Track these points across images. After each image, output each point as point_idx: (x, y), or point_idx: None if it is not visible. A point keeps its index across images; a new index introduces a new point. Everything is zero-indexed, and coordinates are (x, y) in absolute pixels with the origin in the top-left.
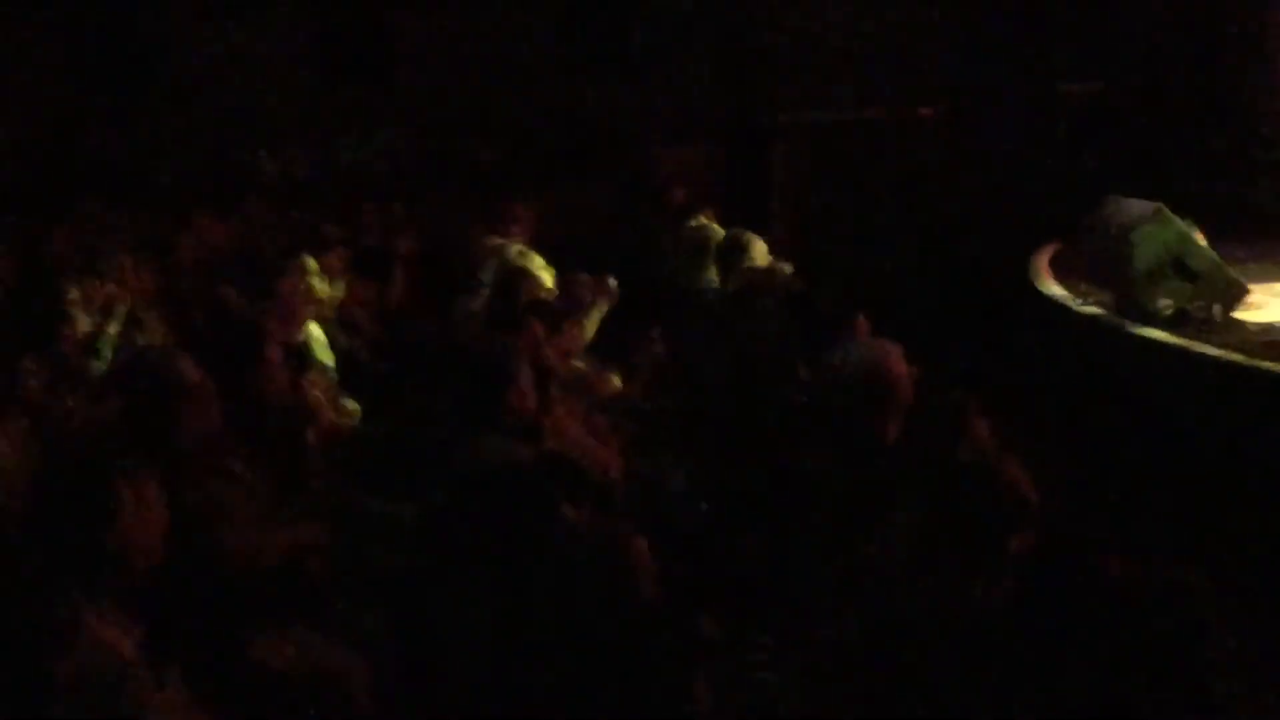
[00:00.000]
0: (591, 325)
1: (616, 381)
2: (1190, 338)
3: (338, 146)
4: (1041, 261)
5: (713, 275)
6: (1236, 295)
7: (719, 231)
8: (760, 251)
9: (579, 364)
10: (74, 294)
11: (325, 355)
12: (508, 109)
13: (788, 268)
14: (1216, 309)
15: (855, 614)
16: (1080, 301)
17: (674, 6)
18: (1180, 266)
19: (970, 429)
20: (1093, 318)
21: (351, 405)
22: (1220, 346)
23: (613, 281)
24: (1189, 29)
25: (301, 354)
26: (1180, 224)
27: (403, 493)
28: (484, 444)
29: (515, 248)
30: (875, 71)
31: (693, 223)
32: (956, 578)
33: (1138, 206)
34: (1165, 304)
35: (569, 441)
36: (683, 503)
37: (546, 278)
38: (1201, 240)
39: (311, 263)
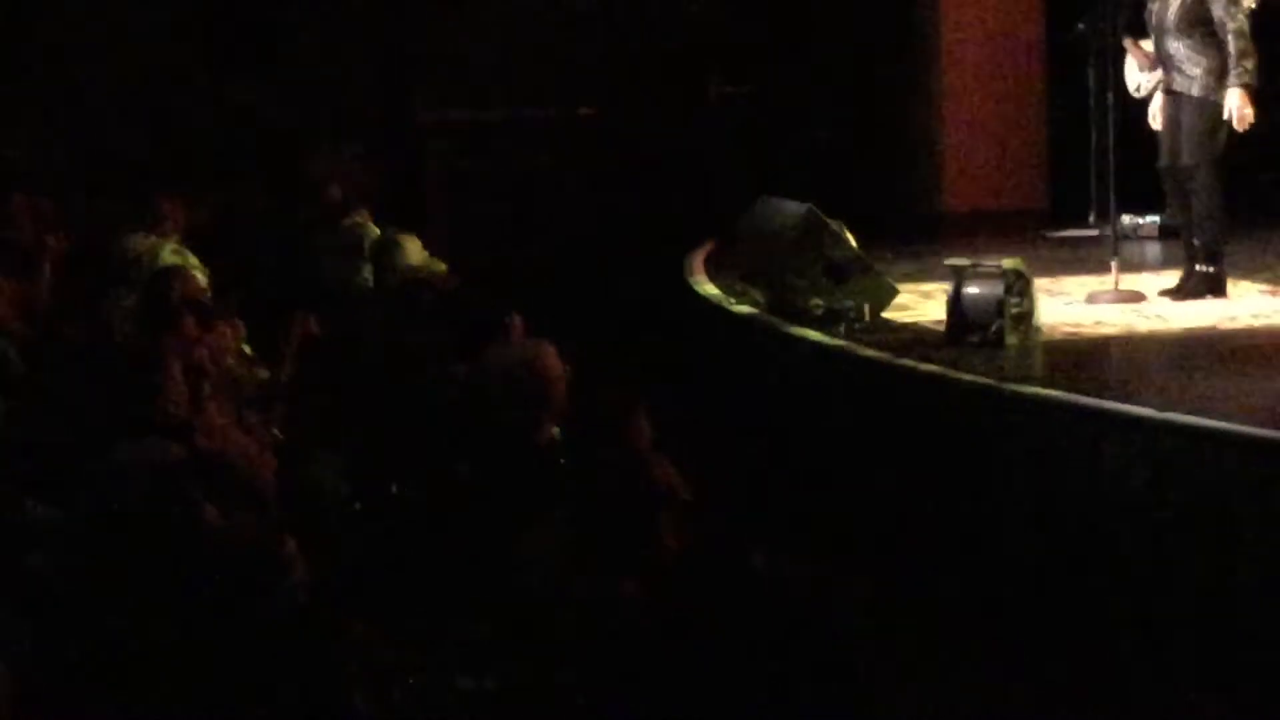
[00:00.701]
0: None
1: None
2: (841, 337)
3: None
4: (697, 261)
5: (367, 274)
6: (886, 296)
7: (374, 230)
8: (415, 250)
9: (232, 362)
10: None
11: None
12: (158, 105)
13: (443, 267)
14: (866, 309)
15: (509, 610)
16: (734, 301)
17: (327, 4)
18: (831, 267)
19: (626, 428)
20: (746, 317)
21: None
22: (870, 346)
23: None
24: (842, 31)
25: None
26: (831, 225)
27: (50, 495)
28: (133, 445)
29: (167, 245)
30: (532, 72)
31: (347, 221)
32: (609, 574)
33: (790, 207)
34: (816, 304)
35: (221, 441)
36: (336, 502)
37: (199, 275)
38: (852, 241)
39: None
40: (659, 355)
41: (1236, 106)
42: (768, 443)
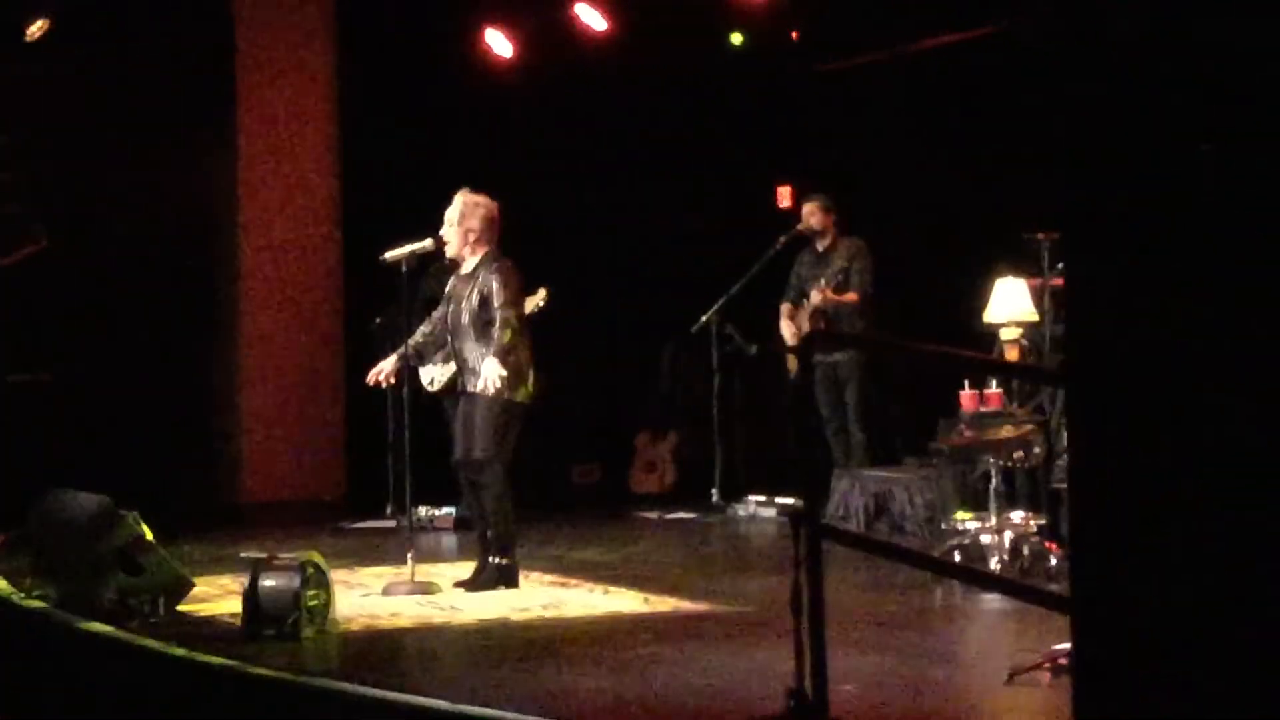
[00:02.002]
0: None
1: None
2: (134, 631)
3: None
4: None
5: None
6: (181, 589)
7: None
8: None
9: None
10: None
11: None
12: None
13: None
14: (161, 602)
15: None
16: (23, 595)
17: None
18: (125, 559)
19: None
20: (36, 611)
21: None
22: (164, 639)
23: None
24: (144, 315)
25: None
26: (126, 516)
27: None
28: None
29: None
30: None
31: None
32: None
33: (83, 499)
34: (110, 597)
35: None
36: None
37: None
38: (147, 533)
39: None
40: None
41: (491, 373)
42: None
